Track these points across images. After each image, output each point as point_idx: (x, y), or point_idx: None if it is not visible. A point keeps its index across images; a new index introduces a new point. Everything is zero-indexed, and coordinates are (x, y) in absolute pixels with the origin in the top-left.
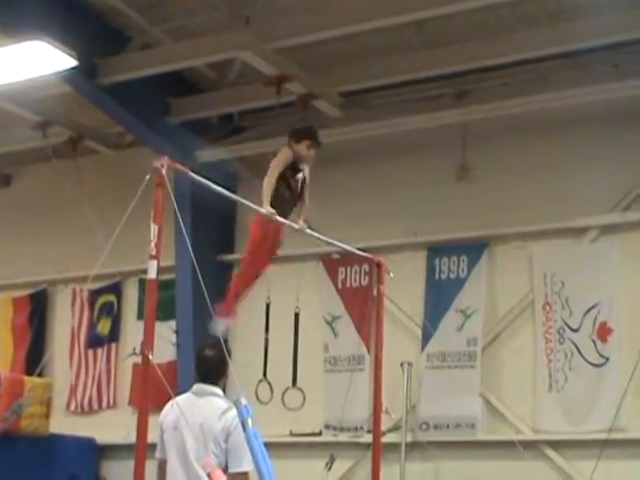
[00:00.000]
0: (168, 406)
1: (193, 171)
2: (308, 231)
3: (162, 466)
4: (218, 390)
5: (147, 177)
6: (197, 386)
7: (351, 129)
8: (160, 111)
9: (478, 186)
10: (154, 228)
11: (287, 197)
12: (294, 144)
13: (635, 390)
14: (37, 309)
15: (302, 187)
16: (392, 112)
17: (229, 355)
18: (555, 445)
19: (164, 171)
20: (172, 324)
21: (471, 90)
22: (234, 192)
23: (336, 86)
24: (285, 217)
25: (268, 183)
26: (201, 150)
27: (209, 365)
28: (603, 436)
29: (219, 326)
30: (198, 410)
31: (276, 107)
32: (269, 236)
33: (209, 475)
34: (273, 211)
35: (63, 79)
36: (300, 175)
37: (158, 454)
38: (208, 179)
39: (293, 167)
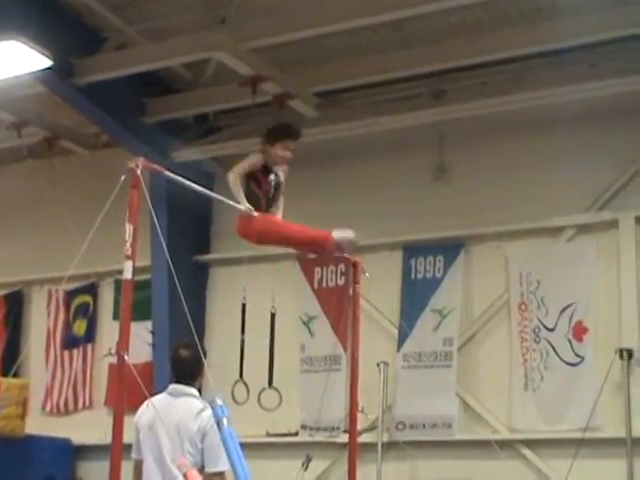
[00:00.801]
0: (144, 406)
1: (169, 170)
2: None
3: (138, 466)
4: (194, 390)
5: (122, 178)
6: (172, 386)
7: (327, 129)
8: (136, 111)
9: (454, 186)
10: (129, 228)
11: (260, 197)
12: (268, 147)
13: (610, 389)
14: (12, 310)
15: (276, 190)
16: (368, 112)
17: (204, 355)
18: (531, 444)
19: (139, 171)
20: (148, 324)
21: (448, 90)
22: (210, 191)
23: (312, 86)
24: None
25: (234, 181)
26: (177, 150)
27: (184, 365)
28: (579, 435)
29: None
30: (174, 410)
31: (252, 107)
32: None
33: (185, 475)
34: (251, 207)
35: (38, 79)
36: (272, 177)
37: (134, 454)
38: (184, 178)
39: (265, 169)
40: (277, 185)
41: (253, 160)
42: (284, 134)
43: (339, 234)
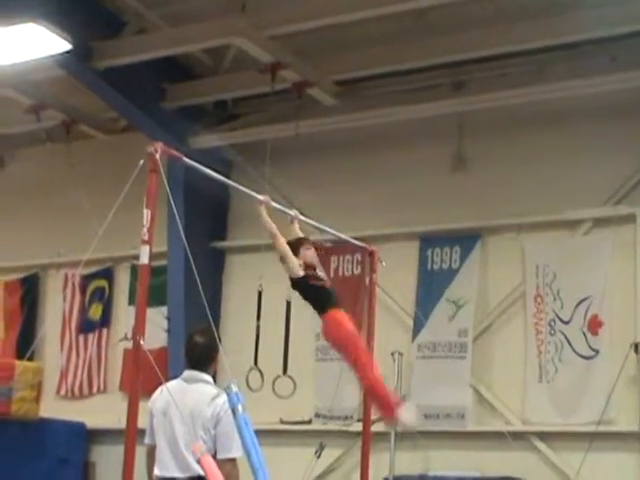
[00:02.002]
0: (158, 392)
1: (187, 156)
2: (301, 217)
3: (151, 452)
4: (208, 377)
5: (141, 162)
6: (187, 372)
7: (346, 118)
8: (154, 96)
9: (472, 177)
10: (147, 213)
11: (329, 290)
12: (300, 258)
13: (624, 383)
14: (28, 293)
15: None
16: (388, 101)
17: (219, 341)
18: (544, 437)
19: (158, 156)
20: (164, 310)
21: (468, 80)
22: (227, 178)
23: (331, 74)
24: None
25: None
26: (195, 136)
27: (199, 351)
28: (592, 428)
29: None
30: (188, 396)
31: (270, 94)
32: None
33: (198, 461)
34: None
35: (57, 62)
36: (318, 272)
37: (147, 440)
38: (202, 165)
39: (310, 269)
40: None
41: (296, 270)
42: (300, 243)
43: (406, 413)
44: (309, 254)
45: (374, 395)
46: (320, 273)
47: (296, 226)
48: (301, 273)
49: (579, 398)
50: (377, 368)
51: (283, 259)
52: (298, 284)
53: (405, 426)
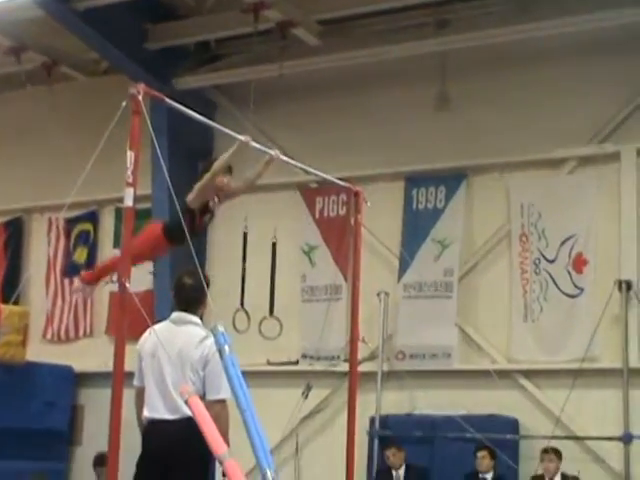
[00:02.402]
0: (146, 334)
1: (170, 98)
2: (283, 158)
3: (140, 393)
4: (196, 319)
5: (123, 104)
6: (176, 314)
7: (330, 58)
8: (136, 37)
9: (457, 117)
10: (130, 155)
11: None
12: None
13: (608, 320)
14: (12, 237)
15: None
16: (371, 41)
17: (208, 284)
18: (529, 374)
19: (140, 98)
20: None
21: (452, 19)
22: (211, 120)
23: (315, 14)
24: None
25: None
26: (178, 78)
27: (188, 293)
28: (576, 366)
29: (80, 290)
30: (176, 338)
31: (254, 35)
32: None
33: (186, 402)
34: (249, 137)
35: (37, 3)
36: (207, 217)
37: (136, 382)
38: (185, 106)
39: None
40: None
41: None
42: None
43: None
44: (224, 181)
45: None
46: (205, 220)
47: (268, 168)
48: (194, 206)
49: (564, 336)
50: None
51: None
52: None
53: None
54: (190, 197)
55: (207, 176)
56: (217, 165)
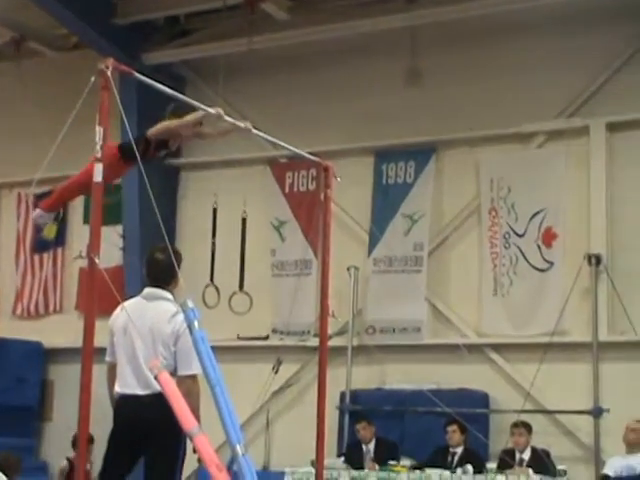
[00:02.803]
0: (118, 310)
1: (139, 73)
2: (254, 131)
3: (112, 369)
4: (168, 294)
5: (92, 79)
6: (147, 290)
7: (299, 33)
8: (105, 12)
9: (426, 91)
10: (99, 131)
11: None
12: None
13: (578, 294)
14: None
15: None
16: (341, 15)
17: (180, 260)
18: (499, 348)
19: (109, 73)
20: (119, 229)
21: None
22: (181, 95)
23: None
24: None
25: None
26: (147, 53)
27: (160, 269)
28: (546, 339)
29: (40, 217)
30: (147, 314)
31: (223, 10)
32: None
33: (156, 377)
34: (220, 110)
35: None
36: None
37: (108, 357)
38: (154, 81)
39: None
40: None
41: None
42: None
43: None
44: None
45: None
46: (159, 153)
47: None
48: (151, 138)
49: (533, 310)
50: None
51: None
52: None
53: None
54: (152, 130)
55: (175, 122)
56: (190, 118)
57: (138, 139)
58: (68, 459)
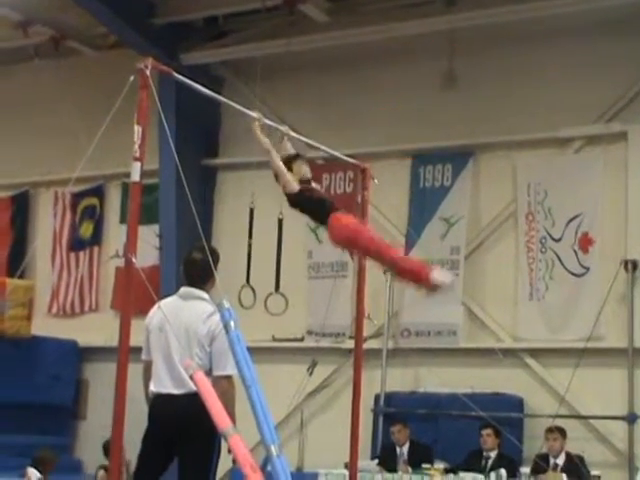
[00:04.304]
0: (154, 308)
1: (178, 73)
2: (293, 134)
3: (148, 367)
4: (204, 294)
5: (131, 78)
6: (183, 289)
7: (338, 34)
8: (144, 12)
9: (464, 94)
10: (138, 129)
11: (324, 198)
12: (293, 171)
13: (614, 300)
14: (19, 211)
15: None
16: (380, 18)
17: (217, 260)
18: (534, 353)
19: (148, 72)
20: (155, 228)
21: None
22: (219, 95)
23: None
24: None
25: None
26: (185, 53)
27: (197, 268)
28: (581, 345)
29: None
30: (183, 313)
31: (262, 11)
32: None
33: (191, 377)
34: (260, 114)
35: None
36: (314, 185)
37: (144, 356)
38: (192, 81)
39: (306, 183)
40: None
41: (292, 186)
42: (294, 159)
43: (439, 276)
44: (304, 168)
45: (402, 270)
46: (315, 185)
47: (287, 143)
48: (297, 187)
49: (569, 315)
50: (394, 247)
51: (278, 175)
52: (296, 199)
53: (443, 287)
54: (285, 190)
55: (281, 174)
56: (275, 161)
57: (294, 202)
58: (104, 467)
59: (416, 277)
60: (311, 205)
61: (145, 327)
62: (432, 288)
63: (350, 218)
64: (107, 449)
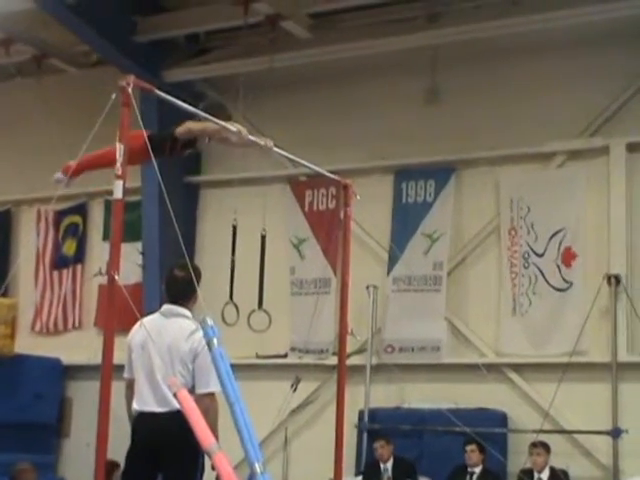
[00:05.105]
0: (136, 326)
1: (160, 90)
2: (275, 149)
3: (130, 385)
4: (186, 311)
5: (113, 96)
6: (166, 307)
7: (320, 51)
8: (126, 30)
9: (447, 110)
10: (120, 147)
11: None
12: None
13: (597, 314)
14: (1, 229)
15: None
16: (362, 34)
17: (199, 277)
18: (518, 368)
19: (130, 89)
20: (138, 246)
21: (442, 13)
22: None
23: (305, 7)
24: None
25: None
26: (167, 70)
27: (179, 286)
28: (565, 359)
29: (58, 180)
30: (166, 330)
31: (243, 28)
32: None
33: (175, 395)
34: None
35: None
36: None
37: (126, 374)
38: (175, 98)
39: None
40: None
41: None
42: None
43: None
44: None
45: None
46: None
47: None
48: (180, 138)
49: (552, 330)
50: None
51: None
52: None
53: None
54: (180, 130)
55: (199, 126)
56: (211, 126)
57: (166, 135)
58: None
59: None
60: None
61: (127, 345)
62: None
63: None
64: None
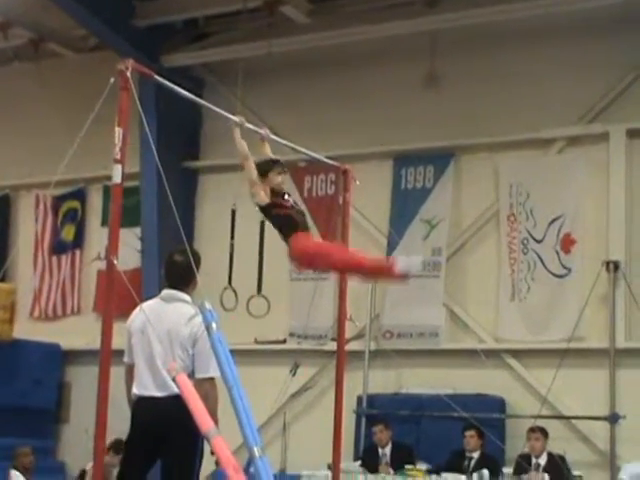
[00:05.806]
0: (136, 311)
1: (158, 75)
2: (273, 137)
3: (130, 370)
4: (186, 296)
5: (111, 80)
6: (165, 292)
7: (319, 36)
8: (125, 14)
9: (446, 96)
10: (118, 132)
11: (291, 216)
12: (266, 182)
13: (596, 301)
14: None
15: (298, 206)
16: (361, 19)
17: (199, 262)
18: (516, 354)
19: (129, 74)
20: (137, 231)
21: None
22: (199, 98)
23: None
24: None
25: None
26: (166, 55)
27: (179, 270)
28: (563, 345)
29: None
30: (165, 315)
31: (242, 12)
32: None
33: (174, 379)
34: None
35: None
36: (287, 197)
37: (126, 358)
38: (173, 84)
39: (276, 194)
40: (296, 203)
41: (260, 198)
42: (270, 167)
43: (405, 264)
44: (279, 179)
45: (370, 272)
46: (288, 199)
47: (267, 146)
48: (266, 201)
49: (551, 316)
50: (355, 251)
51: (251, 185)
52: (263, 212)
53: (411, 274)
54: (255, 200)
55: (250, 179)
56: (249, 170)
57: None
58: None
59: (383, 272)
60: (277, 222)
61: (127, 330)
62: (402, 278)
63: (310, 240)
64: (114, 448)
